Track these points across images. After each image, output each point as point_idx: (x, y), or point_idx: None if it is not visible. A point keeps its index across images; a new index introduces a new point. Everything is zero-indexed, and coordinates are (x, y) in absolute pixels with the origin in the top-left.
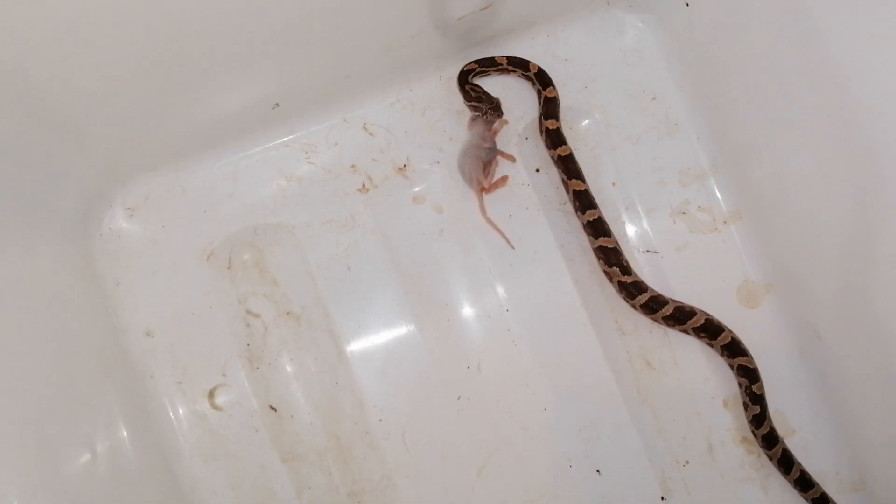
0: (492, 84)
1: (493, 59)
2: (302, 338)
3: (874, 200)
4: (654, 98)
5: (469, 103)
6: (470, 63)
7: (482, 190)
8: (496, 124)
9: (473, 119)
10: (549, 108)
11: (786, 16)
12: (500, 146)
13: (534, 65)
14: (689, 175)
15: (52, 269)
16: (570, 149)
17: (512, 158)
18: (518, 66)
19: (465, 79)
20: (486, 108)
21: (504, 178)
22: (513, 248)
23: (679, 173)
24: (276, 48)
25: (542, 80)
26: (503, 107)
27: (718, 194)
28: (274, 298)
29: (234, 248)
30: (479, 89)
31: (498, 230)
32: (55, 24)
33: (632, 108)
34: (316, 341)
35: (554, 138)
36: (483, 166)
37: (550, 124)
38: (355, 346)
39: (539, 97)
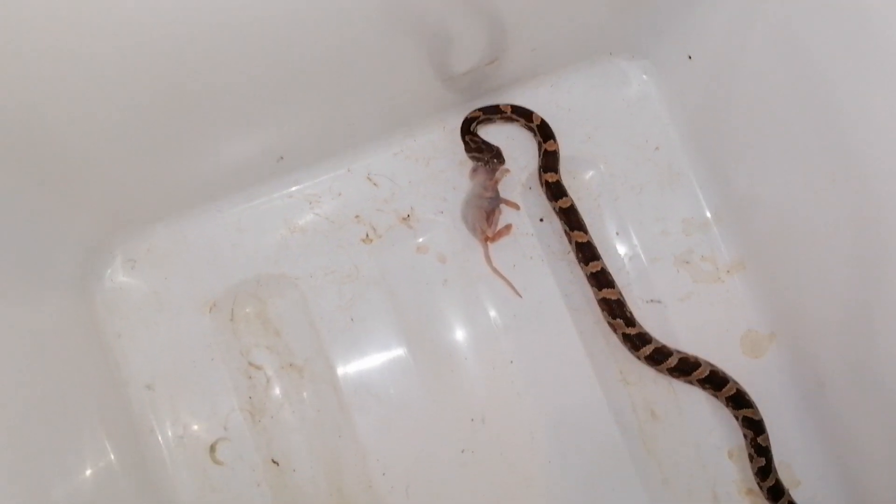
0: (495, 132)
1: (497, 106)
2: (304, 390)
3: (878, 250)
4: (657, 148)
5: (470, 154)
6: (474, 111)
7: (486, 239)
8: (498, 173)
9: (475, 169)
10: (549, 160)
11: (788, 67)
12: (503, 195)
13: (537, 116)
14: (692, 224)
15: (52, 321)
16: (572, 200)
17: (516, 206)
18: (522, 115)
19: (468, 127)
20: (487, 157)
21: (508, 227)
22: (520, 296)
23: (682, 223)
24: (281, 102)
25: (543, 133)
26: (504, 155)
27: (721, 244)
28: (276, 350)
29: (237, 300)
30: (478, 139)
31: (504, 279)
32: (57, 77)
33: (635, 157)
34: (318, 393)
35: (554, 190)
36: (486, 216)
37: (550, 177)
38: (358, 398)
39: (539, 149)
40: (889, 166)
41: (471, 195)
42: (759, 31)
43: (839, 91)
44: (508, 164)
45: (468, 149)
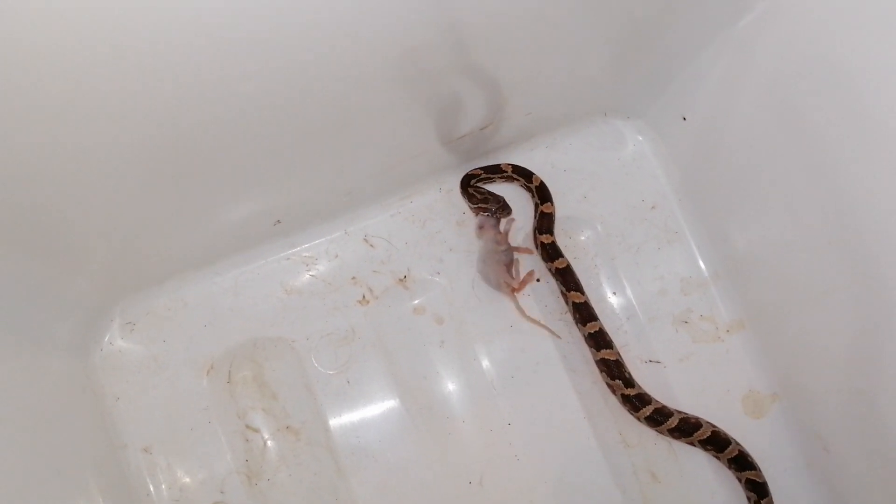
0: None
1: (498, 166)
2: (301, 453)
3: (879, 310)
4: (653, 207)
5: (475, 206)
6: (475, 169)
7: (513, 291)
8: (504, 223)
9: (481, 226)
10: (544, 222)
11: (781, 126)
12: (512, 244)
13: (537, 177)
14: (690, 283)
15: (51, 384)
16: (567, 261)
17: (529, 251)
18: (522, 175)
19: (468, 183)
20: (493, 207)
21: (530, 274)
22: (559, 337)
23: (680, 282)
24: (280, 168)
25: (541, 195)
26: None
27: (720, 303)
28: (273, 413)
29: (234, 362)
30: (483, 190)
31: (542, 325)
32: (56, 146)
33: (631, 217)
34: (315, 456)
35: (550, 251)
36: (506, 268)
37: (545, 238)
38: (355, 461)
39: (536, 210)
40: (888, 227)
41: (484, 252)
42: (751, 91)
43: (834, 151)
44: (503, 224)
45: (473, 201)
